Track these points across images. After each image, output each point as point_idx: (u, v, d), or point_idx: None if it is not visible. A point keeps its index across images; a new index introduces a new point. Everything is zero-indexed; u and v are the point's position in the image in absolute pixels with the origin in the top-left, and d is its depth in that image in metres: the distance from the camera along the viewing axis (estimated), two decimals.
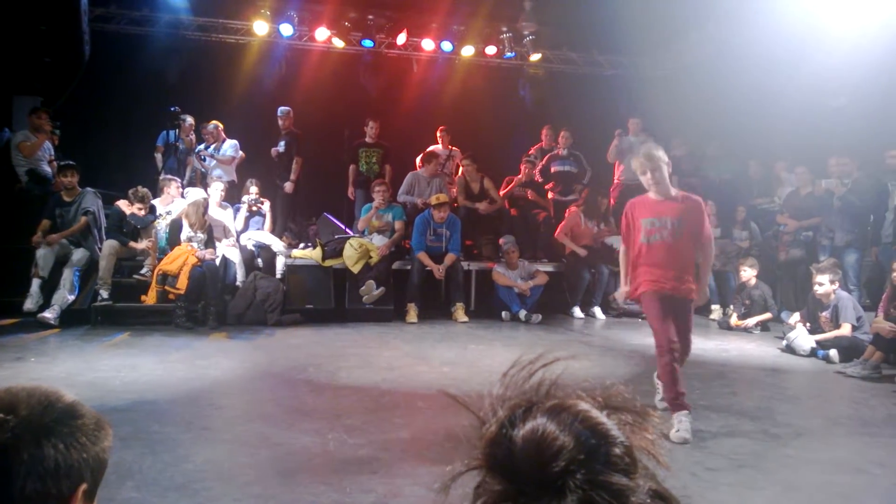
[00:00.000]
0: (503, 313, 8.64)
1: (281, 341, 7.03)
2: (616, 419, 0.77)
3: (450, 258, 8.62)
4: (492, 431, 0.76)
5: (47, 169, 8.58)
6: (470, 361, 6.21)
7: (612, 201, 10.10)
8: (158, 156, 9.64)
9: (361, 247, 8.43)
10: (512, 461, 0.73)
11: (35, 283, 7.35)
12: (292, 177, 9.65)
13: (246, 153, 9.90)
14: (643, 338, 7.61)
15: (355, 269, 8.32)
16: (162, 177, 8.82)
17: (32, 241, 7.47)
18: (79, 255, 7.61)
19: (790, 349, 6.90)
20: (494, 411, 0.78)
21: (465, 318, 8.41)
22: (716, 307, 9.25)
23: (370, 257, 8.41)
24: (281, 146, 9.78)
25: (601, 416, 0.76)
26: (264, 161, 10.05)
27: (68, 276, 7.39)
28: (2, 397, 1.22)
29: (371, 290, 8.21)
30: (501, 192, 9.88)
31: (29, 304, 7.26)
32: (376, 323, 8.05)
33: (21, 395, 1.22)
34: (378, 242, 8.62)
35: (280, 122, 9.79)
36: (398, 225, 8.91)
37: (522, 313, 8.52)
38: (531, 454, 0.72)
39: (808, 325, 7.00)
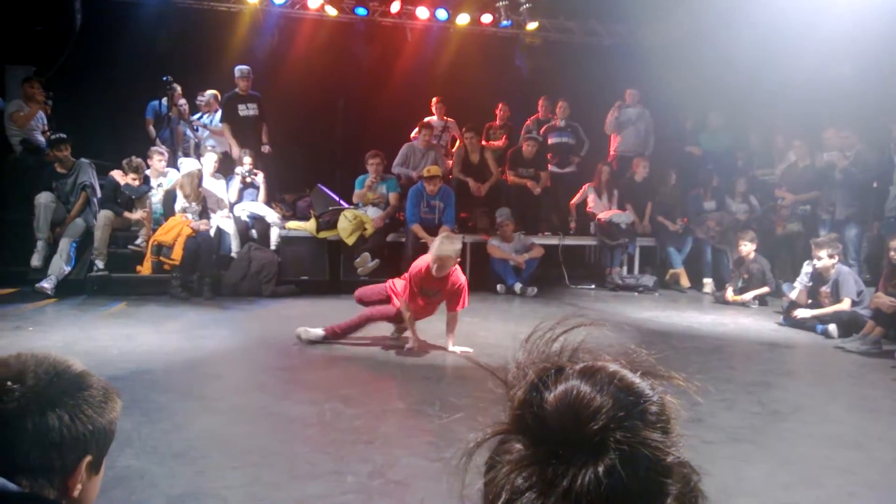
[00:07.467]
0: (498, 286, 8.60)
1: (276, 312, 7.00)
2: (646, 381, 0.76)
3: (444, 231, 8.56)
4: (521, 395, 0.74)
5: (41, 139, 8.48)
6: (465, 334, 6.18)
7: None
8: (150, 128, 9.51)
9: (356, 219, 8.36)
10: (544, 423, 0.71)
11: (40, 243, 7.43)
12: (265, 138, 9.39)
13: None
14: (639, 311, 7.62)
15: (350, 241, 8.26)
16: (151, 148, 8.69)
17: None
18: (75, 225, 7.59)
19: (790, 319, 6.87)
20: (523, 375, 0.76)
21: None
22: (708, 280, 9.21)
23: (365, 229, 8.34)
24: (252, 109, 9.31)
25: (634, 377, 0.75)
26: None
27: (65, 246, 7.38)
28: (11, 364, 1.21)
29: (366, 262, 8.16)
30: (505, 171, 9.71)
31: (35, 261, 7.36)
32: None
33: (29, 364, 1.21)
34: (373, 215, 8.56)
35: (242, 84, 9.24)
36: (392, 197, 8.83)
37: (518, 286, 8.48)
38: (566, 415, 0.70)
39: (809, 300, 6.97)
